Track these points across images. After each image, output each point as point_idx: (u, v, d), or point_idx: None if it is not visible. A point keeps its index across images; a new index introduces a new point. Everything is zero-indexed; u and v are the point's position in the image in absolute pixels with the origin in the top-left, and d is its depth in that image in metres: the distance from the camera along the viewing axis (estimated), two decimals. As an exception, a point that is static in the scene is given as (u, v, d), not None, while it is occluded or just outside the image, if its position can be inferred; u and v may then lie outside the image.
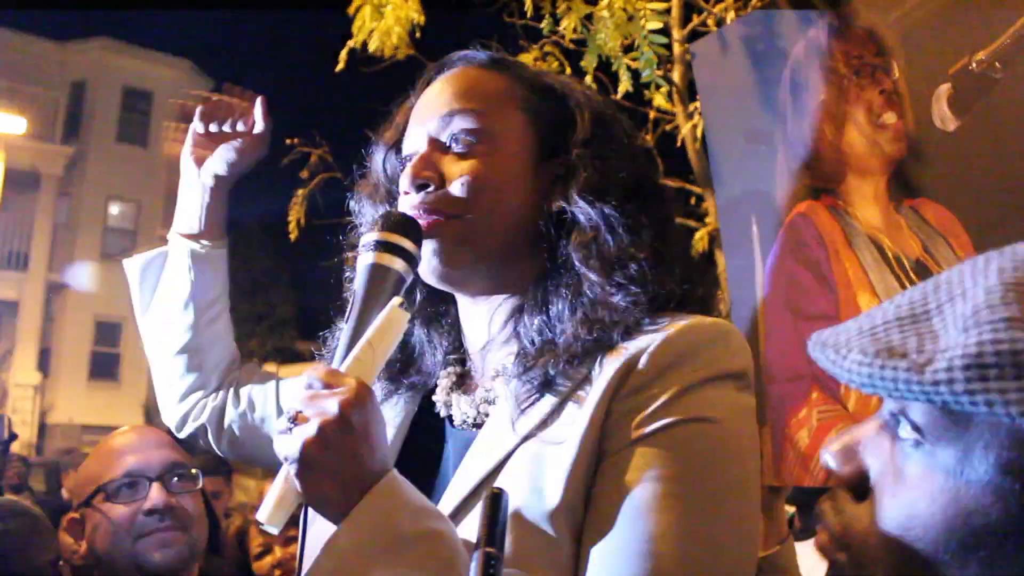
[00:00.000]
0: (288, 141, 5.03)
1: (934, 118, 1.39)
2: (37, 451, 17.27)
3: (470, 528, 0.79)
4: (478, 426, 1.02)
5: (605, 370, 0.92)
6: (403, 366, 1.13)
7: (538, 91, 1.09)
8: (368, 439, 0.84)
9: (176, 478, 1.64)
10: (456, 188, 1.01)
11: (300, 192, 4.77)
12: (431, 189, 1.01)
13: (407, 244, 0.97)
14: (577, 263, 0.98)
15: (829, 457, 0.66)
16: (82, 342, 19.33)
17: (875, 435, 0.64)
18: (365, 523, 0.82)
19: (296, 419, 0.84)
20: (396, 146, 1.14)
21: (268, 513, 0.86)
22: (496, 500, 0.70)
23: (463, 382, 1.09)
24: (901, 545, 0.59)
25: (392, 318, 0.91)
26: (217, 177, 1.37)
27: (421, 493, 0.87)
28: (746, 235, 1.74)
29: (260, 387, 1.39)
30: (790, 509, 2.27)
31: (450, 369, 1.11)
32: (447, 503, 0.94)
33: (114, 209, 21.21)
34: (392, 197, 1.13)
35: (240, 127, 1.36)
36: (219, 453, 1.43)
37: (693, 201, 5.48)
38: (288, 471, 0.85)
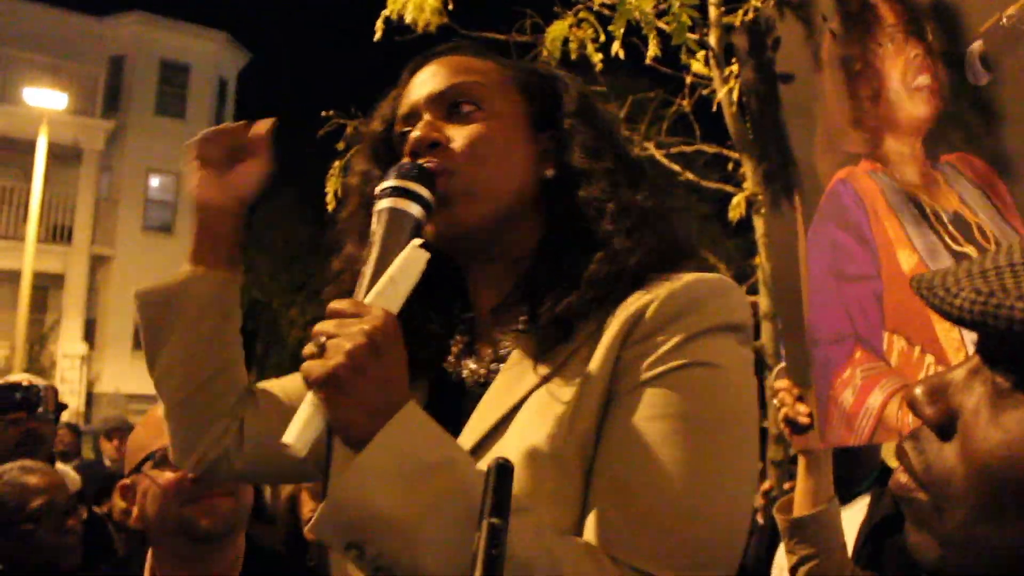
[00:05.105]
0: (324, 113, 5.07)
1: (967, 74, 1.42)
2: (85, 420, 17.69)
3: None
4: (489, 383, 1.04)
5: (615, 320, 0.96)
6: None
7: (524, 72, 1.14)
8: (393, 367, 0.87)
9: (223, 444, 1.67)
10: (461, 147, 1.04)
11: (336, 163, 4.80)
12: (438, 148, 1.04)
13: (422, 190, 0.99)
14: (585, 214, 1.03)
15: (916, 397, 0.65)
16: (126, 313, 19.50)
17: (967, 378, 0.63)
18: (389, 448, 0.84)
19: (324, 344, 0.86)
20: (385, 134, 1.16)
21: (294, 435, 0.86)
22: (502, 470, 0.68)
23: (472, 348, 1.12)
24: (988, 486, 0.59)
25: (413, 256, 0.93)
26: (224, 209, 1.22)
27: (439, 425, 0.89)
28: (789, 206, 1.77)
29: (279, 403, 1.26)
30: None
31: (459, 337, 1.14)
32: (463, 444, 0.96)
33: (154, 182, 21.49)
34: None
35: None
36: (236, 476, 1.28)
37: (731, 167, 5.44)
38: (314, 395, 0.86)
